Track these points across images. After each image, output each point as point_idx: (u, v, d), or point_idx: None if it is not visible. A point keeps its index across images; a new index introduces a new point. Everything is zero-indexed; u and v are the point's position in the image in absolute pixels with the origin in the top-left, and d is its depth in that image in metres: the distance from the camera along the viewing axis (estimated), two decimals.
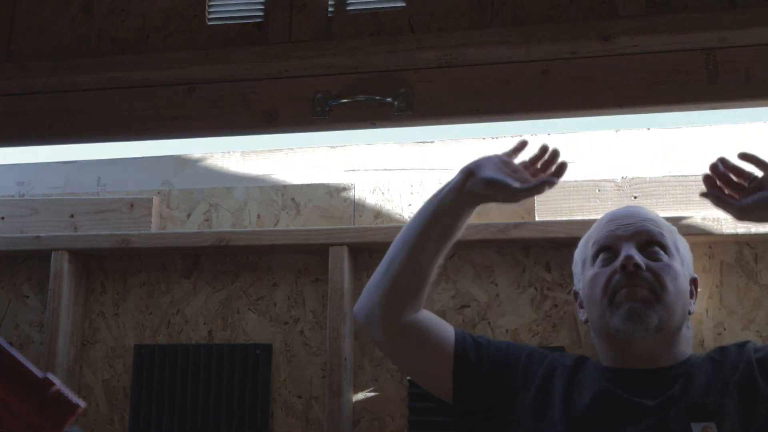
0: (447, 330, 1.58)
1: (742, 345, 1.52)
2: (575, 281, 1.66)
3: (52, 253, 2.19)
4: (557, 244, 1.97)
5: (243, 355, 2.13)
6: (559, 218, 1.99)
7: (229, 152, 2.34)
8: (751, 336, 1.87)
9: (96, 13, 1.46)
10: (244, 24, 1.41)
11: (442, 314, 1.97)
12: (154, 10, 1.43)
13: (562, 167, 1.46)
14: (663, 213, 1.90)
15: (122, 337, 2.23)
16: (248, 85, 1.43)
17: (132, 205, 2.26)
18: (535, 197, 2.02)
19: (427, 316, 1.57)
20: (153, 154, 2.39)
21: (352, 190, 2.20)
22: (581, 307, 1.62)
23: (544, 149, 1.49)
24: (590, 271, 1.55)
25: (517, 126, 2.02)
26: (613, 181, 2.01)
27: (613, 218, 1.58)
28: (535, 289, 2.01)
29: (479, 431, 1.58)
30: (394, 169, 2.21)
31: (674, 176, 2.00)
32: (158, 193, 2.31)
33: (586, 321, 1.59)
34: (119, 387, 2.21)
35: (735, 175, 1.40)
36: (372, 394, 2.06)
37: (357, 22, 1.37)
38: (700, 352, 1.56)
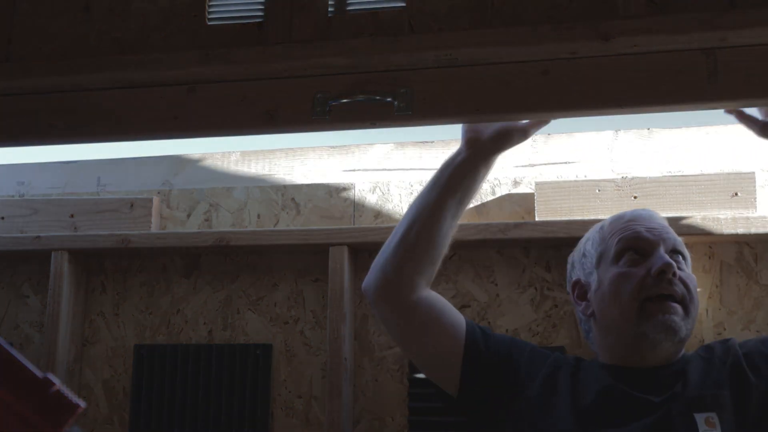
0: (459, 316, 1.59)
1: (725, 342, 1.59)
2: (579, 273, 1.65)
3: (52, 253, 2.19)
4: (557, 244, 1.97)
5: (243, 355, 2.13)
6: (559, 218, 1.99)
7: (229, 152, 2.34)
8: (751, 336, 1.87)
9: (96, 13, 1.46)
10: (244, 24, 1.41)
11: None
12: (154, 10, 1.43)
13: None
14: (663, 213, 1.90)
15: (122, 337, 2.23)
16: (248, 85, 1.42)
17: (132, 205, 2.26)
18: (535, 197, 2.03)
19: (439, 298, 1.58)
20: (153, 154, 2.39)
21: (352, 190, 2.20)
22: (582, 299, 1.62)
23: None
24: (614, 269, 1.54)
25: None
26: (613, 181, 2.01)
27: (634, 218, 1.60)
28: (535, 289, 2.01)
29: (480, 422, 1.59)
30: (394, 169, 2.21)
31: (674, 176, 2.00)
32: (158, 193, 2.31)
33: (591, 314, 1.59)
34: (119, 387, 2.21)
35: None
36: (372, 394, 2.06)
37: (357, 22, 1.37)
38: (689, 352, 1.60)
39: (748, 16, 1.24)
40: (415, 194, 2.14)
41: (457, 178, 1.53)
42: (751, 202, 1.92)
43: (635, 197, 1.99)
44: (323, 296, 2.12)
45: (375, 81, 1.38)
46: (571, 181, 2.04)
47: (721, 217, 1.86)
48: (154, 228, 2.25)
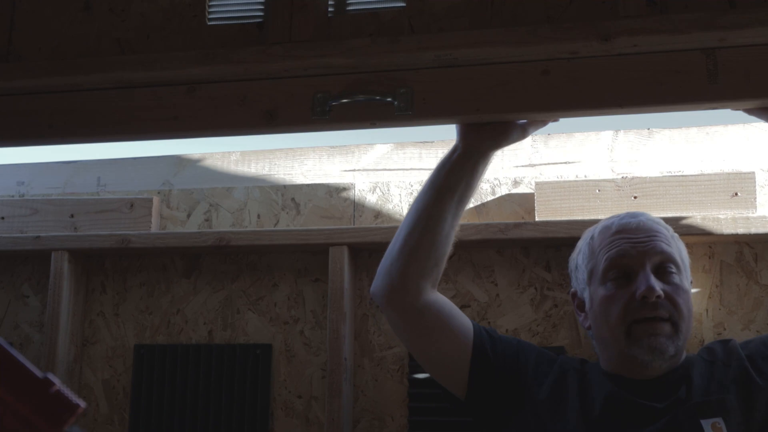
0: (466, 320, 1.59)
1: (726, 343, 1.57)
2: (574, 283, 1.66)
3: (52, 253, 2.19)
4: (557, 244, 1.97)
5: (243, 355, 2.13)
6: (559, 218, 1.99)
7: (229, 152, 2.34)
8: (751, 336, 1.87)
9: (96, 13, 1.46)
10: (244, 24, 1.41)
11: None
12: (154, 10, 1.43)
13: None
14: (663, 213, 1.91)
15: (122, 337, 2.23)
16: (248, 85, 1.42)
17: (132, 205, 2.26)
18: (535, 197, 2.03)
19: (447, 301, 1.58)
20: (153, 154, 2.39)
21: (352, 190, 2.20)
22: (581, 310, 1.62)
23: None
24: (602, 290, 1.54)
25: None
26: (613, 181, 2.01)
27: (621, 230, 1.56)
28: (535, 289, 2.01)
29: (486, 424, 1.59)
30: (394, 169, 2.21)
31: (674, 176, 2.00)
32: (158, 193, 2.31)
33: (588, 327, 1.60)
34: (119, 387, 2.21)
35: None
36: (372, 394, 2.06)
37: (357, 22, 1.37)
38: (691, 353, 1.59)
39: (747, 16, 1.24)
40: (416, 194, 2.15)
41: (455, 176, 1.51)
42: (751, 202, 1.92)
43: (635, 197, 1.99)
44: (323, 296, 2.12)
45: (375, 81, 1.38)
46: (571, 181, 2.04)
47: (721, 217, 1.86)
48: (154, 228, 2.25)
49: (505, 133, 1.49)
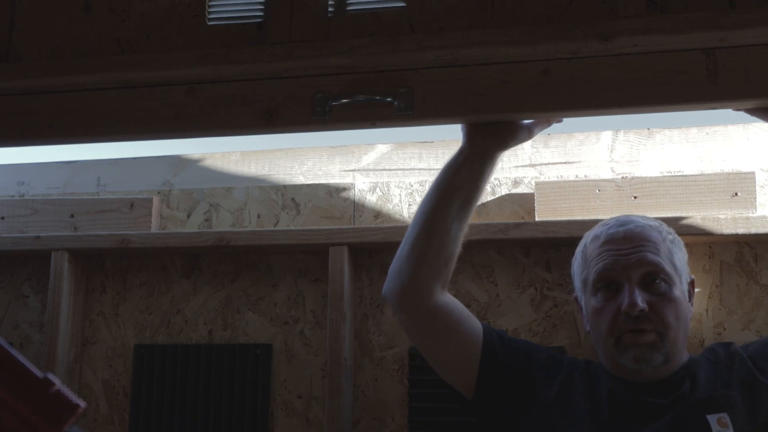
0: (476, 321, 1.61)
1: (727, 347, 1.61)
2: (575, 289, 1.67)
3: (52, 253, 2.19)
4: (557, 244, 1.97)
5: (243, 355, 2.13)
6: (559, 218, 1.99)
7: (229, 152, 2.34)
8: (751, 336, 1.87)
9: (96, 13, 1.46)
10: (244, 24, 1.41)
11: None
12: (153, 10, 1.43)
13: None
14: (663, 213, 1.91)
15: (122, 337, 2.23)
16: (248, 85, 1.42)
17: (132, 205, 2.26)
18: (535, 197, 2.03)
19: (457, 303, 1.59)
20: (153, 154, 2.39)
21: (352, 190, 2.20)
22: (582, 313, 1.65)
23: None
24: (593, 301, 1.57)
25: None
26: (613, 181, 2.01)
27: (608, 240, 1.57)
28: (535, 289, 2.01)
29: (493, 425, 1.61)
30: (394, 169, 2.21)
31: (674, 176, 2.00)
32: (158, 193, 2.31)
33: (589, 332, 1.62)
34: (119, 387, 2.21)
35: None
36: (372, 394, 2.06)
37: (357, 22, 1.37)
38: (695, 354, 1.62)
39: (747, 16, 1.24)
40: (415, 194, 2.15)
41: (462, 177, 1.51)
42: (751, 202, 1.92)
43: (635, 197, 1.99)
44: (323, 296, 2.12)
45: (375, 81, 1.38)
46: (571, 181, 2.04)
47: (721, 217, 1.86)
48: (154, 228, 2.25)
49: (511, 133, 1.49)
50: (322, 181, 2.23)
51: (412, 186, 2.16)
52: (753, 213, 1.91)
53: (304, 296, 2.14)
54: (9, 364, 0.87)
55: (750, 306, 1.90)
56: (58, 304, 2.17)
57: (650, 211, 1.94)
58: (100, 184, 2.38)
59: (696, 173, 2.01)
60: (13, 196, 2.42)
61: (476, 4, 1.33)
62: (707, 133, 2.04)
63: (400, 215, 2.15)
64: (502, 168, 2.11)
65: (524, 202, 2.08)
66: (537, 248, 2.02)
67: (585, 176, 2.07)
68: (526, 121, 1.50)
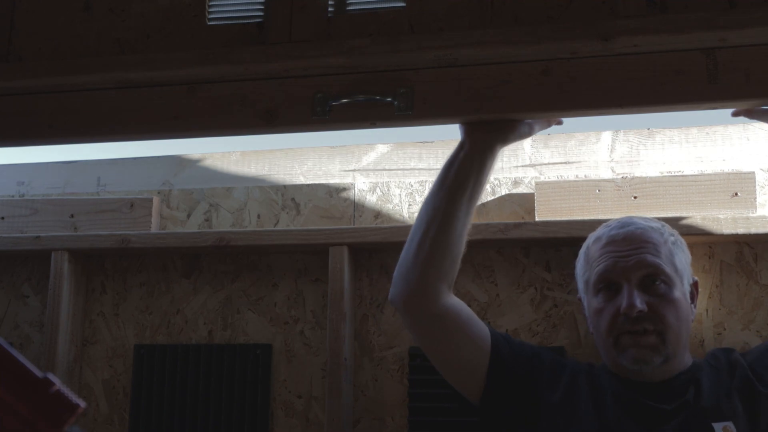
0: (483, 326, 1.61)
1: (728, 353, 1.62)
2: (578, 288, 1.67)
3: (52, 253, 2.19)
4: (557, 244, 1.97)
5: (243, 355, 2.13)
6: (559, 218, 1.99)
7: (229, 152, 2.34)
8: (751, 336, 1.87)
9: (96, 13, 1.46)
10: (244, 24, 1.41)
11: None
12: (153, 10, 1.43)
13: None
14: (663, 213, 1.91)
15: (122, 337, 2.23)
16: (248, 85, 1.42)
17: (132, 205, 2.26)
18: (535, 197, 2.03)
19: (464, 306, 1.59)
20: (153, 154, 2.39)
21: (352, 190, 2.20)
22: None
23: None
24: (594, 302, 1.58)
25: None
26: (613, 181, 2.01)
27: (609, 242, 1.58)
28: (535, 289, 2.01)
29: (498, 428, 1.61)
30: (394, 169, 2.21)
31: (674, 176, 2.00)
32: (158, 193, 2.31)
33: (592, 332, 1.63)
34: (119, 387, 2.21)
35: None
36: (372, 394, 2.06)
37: (357, 21, 1.37)
38: (698, 358, 1.63)
39: (747, 16, 1.24)
40: (415, 194, 2.15)
41: (464, 173, 1.50)
42: (751, 202, 1.92)
43: (635, 197, 1.99)
44: (323, 296, 2.12)
45: (375, 81, 1.38)
46: (571, 181, 2.04)
47: (721, 217, 1.86)
48: (154, 228, 2.25)
49: (512, 128, 1.48)
50: (322, 181, 2.23)
51: (412, 186, 2.16)
52: (753, 213, 1.91)
53: (304, 296, 2.14)
54: (9, 364, 0.87)
55: (750, 306, 1.90)
56: (58, 304, 2.17)
57: (650, 211, 1.94)
58: (100, 184, 2.38)
59: (696, 173, 2.01)
60: (13, 196, 2.42)
61: (476, 4, 1.33)
62: (707, 133, 2.04)
63: (400, 215, 2.15)
64: (502, 168, 2.11)
65: (524, 202, 2.08)
66: (537, 248, 2.02)
67: (585, 176, 2.07)
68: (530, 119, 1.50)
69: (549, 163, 2.11)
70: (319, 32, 1.37)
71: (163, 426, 2.14)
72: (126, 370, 2.21)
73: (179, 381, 2.15)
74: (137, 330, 2.23)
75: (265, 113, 1.40)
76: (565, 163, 2.10)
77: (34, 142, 1.56)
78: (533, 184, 2.07)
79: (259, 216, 2.24)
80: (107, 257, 2.27)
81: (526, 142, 2.11)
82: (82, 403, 0.87)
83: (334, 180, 2.23)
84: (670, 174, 2.02)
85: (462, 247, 1.53)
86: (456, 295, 2.02)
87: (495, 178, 2.11)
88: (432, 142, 2.21)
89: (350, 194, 2.20)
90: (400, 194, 2.17)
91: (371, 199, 2.18)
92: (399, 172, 2.20)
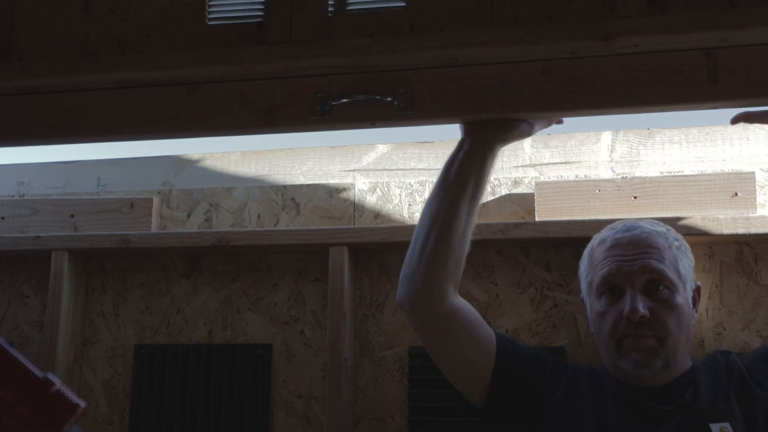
0: (488, 328, 1.61)
1: (726, 356, 1.63)
2: (581, 288, 1.67)
3: (52, 253, 2.19)
4: (557, 244, 1.97)
5: (243, 355, 2.13)
6: (559, 218, 1.99)
7: (229, 152, 2.34)
8: (751, 336, 1.87)
9: (96, 13, 1.46)
10: (243, 24, 1.41)
11: None
12: (153, 10, 1.43)
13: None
14: (663, 213, 1.91)
15: (122, 337, 2.23)
16: (248, 85, 1.42)
17: (132, 205, 2.26)
18: (535, 197, 2.03)
19: (471, 308, 1.59)
20: (153, 154, 2.39)
21: (352, 190, 2.20)
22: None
23: None
24: (597, 304, 1.59)
25: None
26: (613, 181, 2.01)
27: (614, 245, 1.59)
28: (535, 289, 2.01)
29: (500, 429, 1.62)
30: (394, 169, 2.21)
31: (674, 176, 2.00)
32: (158, 193, 2.31)
33: (593, 333, 1.63)
34: (119, 387, 2.21)
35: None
36: (372, 394, 2.06)
37: (357, 21, 1.37)
38: (696, 360, 1.64)
39: (747, 15, 1.24)
40: (415, 194, 2.15)
41: (465, 172, 1.49)
42: (751, 202, 1.92)
43: (635, 197, 1.98)
44: (323, 296, 2.12)
45: (375, 81, 1.38)
46: (571, 181, 2.04)
47: (721, 217, 1.86)
48: (154, 228, 2.25)
49: (512, 127, 1.47)
50: (322, 181, 2.24)
51: (412, 186, 2.16)
52: (753, 213, 1.91)
53: (304, 296, 2.14)
54: (9, 364, 0.87)
55: (750, 306, 1.90)
56: (58, 304, 2.17)
57: (650, 211, 1.94)
58: (100, 184, 2.38)
59: (696, 173, 2.01)
60: (13, 196, 2.42)
61: (476, 4, 1.33)
62: (707, 133, 2.05)
63: (400, 215, 2.15)
64: (502, 168, 2.11)
65: (524, 202, 2.08)
66: (537, 248, 2.02)
67: (585, 176, 2.07)
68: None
69: (549, 163, 2.11)
70: (319, 32, 1.37)
71: (163, 426, 2.14)
72: (126, 370, 2.21)
73: (179, 381, 2.15)
74: (137, 330, 2.23)
75: (265, 113, 1.40)
76: (565, 163, 2.10)
77: (33, 142, 1.56)
78: (533, 184, 2.07)
79: (259, 216, 2.24)
80: (107, 257, 2.27)
81: (526, 142, 2.11)
82: (82, 403, 0.87)
83: (334, 180, 2.23)
84: (670, 174, 2.02)
85: (466, 247, 1.53)
86: None
87: (495, 178, 2.11)
88: (432, 142, 2.21)
89: (350, 194, 2.20)
90: (400, 194, 2.17)
91: (371, 199, 2.18)
92: (399, 172, 2.20)
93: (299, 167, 2.27)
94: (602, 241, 1.62)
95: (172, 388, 2.15)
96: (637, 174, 2.03)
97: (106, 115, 1.47)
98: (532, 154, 2.12)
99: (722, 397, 1.52)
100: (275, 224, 2.22)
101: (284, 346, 2.13)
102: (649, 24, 1.27)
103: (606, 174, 2.06)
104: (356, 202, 2.19)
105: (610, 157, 2.08)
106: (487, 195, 2.10)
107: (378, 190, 2.18)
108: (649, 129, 2.09)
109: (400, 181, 2.18)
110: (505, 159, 2.12)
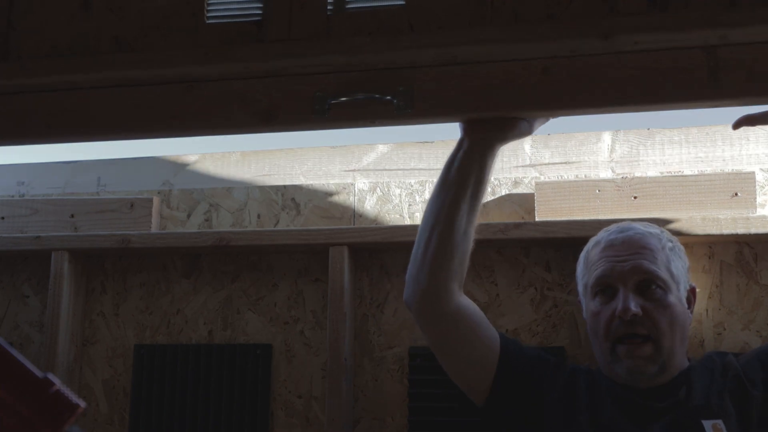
0: (492, 328, 1.62)
1: (723, 356, 1.63)
2: (578, 290, 1.68)
3: (52, 253, 2.19)
4: (557, 244, 1.96)
5: (243, 355, 2.12)
6: (559, 218, 1.99)
7: (229, 152, 2.34)
8: (751, 336, 1.87)
9: (94, 12, 1.46)
10: (243, 22, 1.41)
11: None
12: (152, 9, 1.43)
13: None
14: (663, 213, 1.90)
15: (122, 337, 2.23)
16: (247, 84, 1.42)
17: (132, 205, 2.26)
18: (535, 197, 2.03)
19: (476, 308, 1.60)
20: (153, 154, 2.39)
21: (352, 190, 2.20)
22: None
23: None
24: (591, 305, 1.60)
25: None
26: (613, 181, 2.01)
27: (608, 246, 1.60)
28: (535, 289, 2.01)
29: (501, 428, 1.62)
30: (395, 169, 2.21)
31: (674, 176, 2.00)
32: (158, 193, 2.31)
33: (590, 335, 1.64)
34: (119, 387, 2.21)
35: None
36: (372, 394, 2.06)
37: (356, 20, 1.36)
38: (694, 360, 1.64)
39: (748, 13, 1.24)
40: (415, 194, 2.15)
41: (464, 171, 1.49)
42: (751, 202, 1.92)
43: (635, 197, 1.98)
44: (323, 296, 2.11)
45: (374, 79, 1.37)
46: (571, 181, 2.04)
47: (721, 217, 1.86)
48: (154, 228, 2.25)
49: (512, 126, 1.47)
50: (322, 181, 2.23)
51: (412, 186, 2.16)
52: (753, 213, 1.90)
53: (304, 296, 2.14)
54: (9, 364, 0.87)
55: (750, 306, 1.89)
56: (58, 304, 2.17)
57: (650, 211, 1.94)
58: (100, 184, 2.38)
59: (696, 173, 2.00)
60: (13, 196, 2.42)
61: (476, 2, 1.32)
62: (707, 133, 2.04)
63: (400, 215, 2.14)
64: (502, 168, 2.11)
65: (524, 202, 2.08)
66: (537, 248, 2.01)
67: (585, 176, 2.07)
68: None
69: (549, 163, 2.11)
70: (318, 30, 1.37)
71: (163, 426, 2.14)
72: (126, 370, 2.21)
73: (179, 381, 2.15)
74: (137, 330, 2.22)
75: (264, 112, 1.40)
76: (565, 163, 2.10)
77: (32, 141, 1.56)
78: (533, 184, 2.07)
79: (259, 216, 2.24)
80: (107, 257, 2.27)
81: (526, 143, 2.11)
82: (82, 403, 0.87)
83: (334, 180, 2.23)
84: (670, 174, 2.02)
85: (469, 246, 1.54)
86: None
87: (495, 178, 2.11)
88: (432, 142, 2.20)
89: (350, 194, 2.19)
90: (400, 194, 2.16)
91: (371, 199, 2.18)
92: (399, 172, 2.20)
93: (299, 167, 2.27)
94: (597, 243, 1.64)
95: (172, 388, 2.15)
96: (637, 174, 2.03)
97: (105, 113, 1.46)
98: (532, 154, 2.12)
99: (716, 395, 1.53)
100: (275, 224, 2.22)
101: (284, 346, 2.13)
102: (650, 22, 1.27)
103: (606, 174, 2.06)
104: (356, 202, 2.19)
105: (610, 157, 2.08)
106: (487, 195, 2.10)
107: (378, 190, 2.18)
108: (649, 129, 2.08)
109: (400, 181, 2.17)
110: (505, 159, 2.11)
